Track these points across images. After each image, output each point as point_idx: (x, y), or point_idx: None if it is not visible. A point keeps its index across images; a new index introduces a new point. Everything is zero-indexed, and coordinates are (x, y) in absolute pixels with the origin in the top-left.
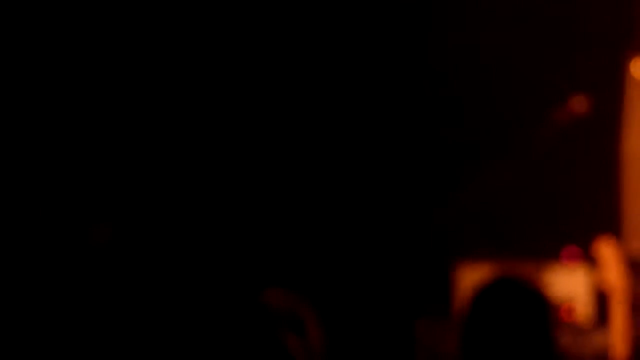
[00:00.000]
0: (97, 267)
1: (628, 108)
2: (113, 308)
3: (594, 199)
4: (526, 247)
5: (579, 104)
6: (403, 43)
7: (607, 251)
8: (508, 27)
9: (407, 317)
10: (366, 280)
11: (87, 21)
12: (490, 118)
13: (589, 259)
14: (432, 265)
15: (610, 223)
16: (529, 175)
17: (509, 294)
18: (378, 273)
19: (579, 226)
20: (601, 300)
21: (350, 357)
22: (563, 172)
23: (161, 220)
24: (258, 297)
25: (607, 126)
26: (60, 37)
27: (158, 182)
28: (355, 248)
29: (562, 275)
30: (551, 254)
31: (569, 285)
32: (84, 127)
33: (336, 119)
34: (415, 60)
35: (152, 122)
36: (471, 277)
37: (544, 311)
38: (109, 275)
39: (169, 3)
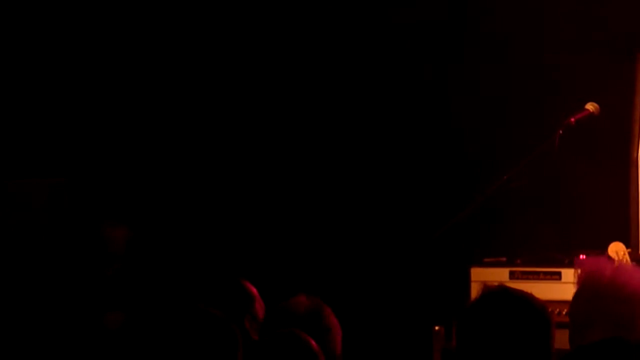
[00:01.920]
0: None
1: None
2: None
3: (608, 205)
4: (541, 253)
5: (592, 108)
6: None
7: (618, 256)
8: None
9: (425, 322)
10: (383, 284)
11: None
12: (504, 123)
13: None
14: (449, 270)
15: (624, 230)
16: (543, 181)
17: (499, 303)
18: (395, 277)
19: (593, 233)
20: None
21: None
22: (576, 178)
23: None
24: (280, 301)
25: (621, 131)
26: (68, 38)
27: (168, 189)
28: (373, 252)
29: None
30: (565, 260)
31: None
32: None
33: (356, 123)
34: (431, 61)
35: (155, 125)
36: (488, 283)
37: (536, 321)
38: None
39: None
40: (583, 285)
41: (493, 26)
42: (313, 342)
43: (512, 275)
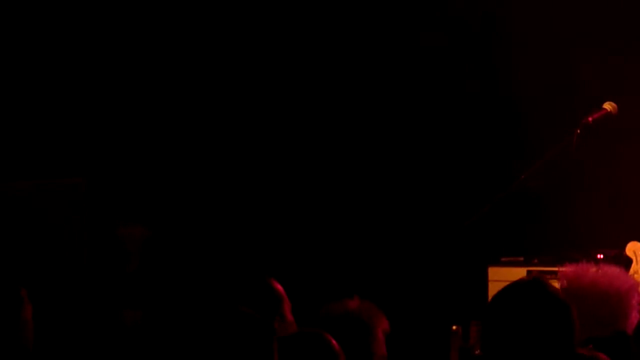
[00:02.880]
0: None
1: None
2: None
3: (626, 204)
4: (558, 253)
5: (610, 108)
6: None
7: (636, 255)
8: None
9: (442, 321)
10: (401, 284)
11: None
12: (525, 122)
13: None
14: (467, 270)
15: None
16: (560, 180)
17: (525, 294)
18: (414, 277)
19: (610, 232)
20: None
21: None
22: (594, 177)
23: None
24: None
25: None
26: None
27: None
28: (391, 252)
29: None
30: (582, 259)
31: None
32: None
33: (378, 124)
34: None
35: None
36: (505, 280)
37: (559, 312)
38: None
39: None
40: (567, 289)
41: (512, 25)
42: (335, 343)
43: (529, 275)
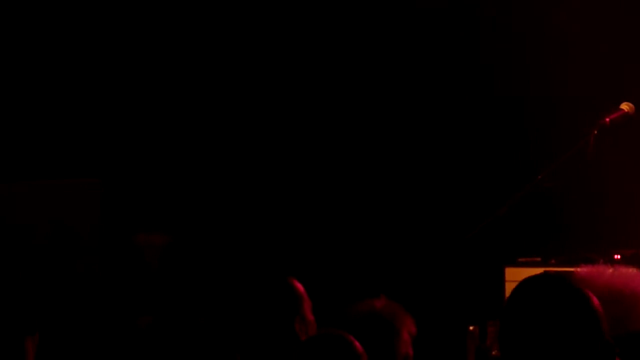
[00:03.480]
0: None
1: None
2: None
3: None
4: (576, 253)
5: (627, 108)
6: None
7: None
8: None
9: (459, 322)
10: (418, 284)
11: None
12: (543, 123)
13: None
14: (483, 270)
15: None
16: (578, 181)
17: (544, 288)
18: (430, 277)
19: (628, 233)
20: None
21: None
22: (612, 177)
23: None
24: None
25: None
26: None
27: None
28: (408, 252)
29: None
30: (600, 260)
31: None
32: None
33: (394, 126)
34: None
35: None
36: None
37: (582, 306)
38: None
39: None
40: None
41: (530, 24)
42: (357, 344)
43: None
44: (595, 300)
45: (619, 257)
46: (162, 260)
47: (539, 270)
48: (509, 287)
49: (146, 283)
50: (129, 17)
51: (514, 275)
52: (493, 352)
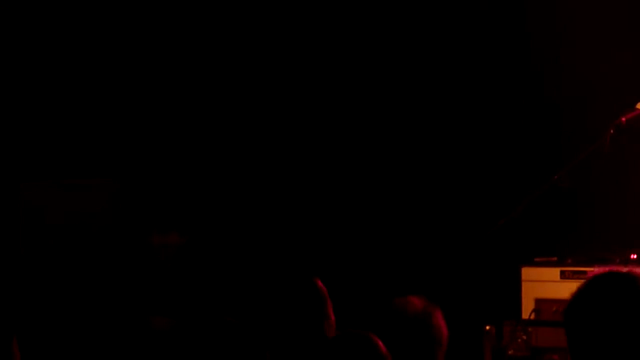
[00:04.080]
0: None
1: None
2: None
3: None
4: (592, 253)
5: None
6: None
7: None
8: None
9: (476, 322)
10: (435, 284)
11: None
12: (559, 122)
13: None
14: (500, 270)
15: None
16: (597, 179)
17: (610, 286)
18: (447, 277)
19: None
20: None
21: None
22: (627, 176)
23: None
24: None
25: None
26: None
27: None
28: (425, 252)
29: None
30: (616, 259)
31: None
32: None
33: (413, 129)
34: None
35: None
36: (538, 280)
37: None
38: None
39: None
40: None
41: (548, 24)
42: (382, 345)
43: (563, 275)
44: None
45: (635, 256)
46: (183, 260)
47: (555, 270)
48: (526, 287)
49: (160, 283)
50: (144, 20)
51: (531, 275)
52: (509, 352)
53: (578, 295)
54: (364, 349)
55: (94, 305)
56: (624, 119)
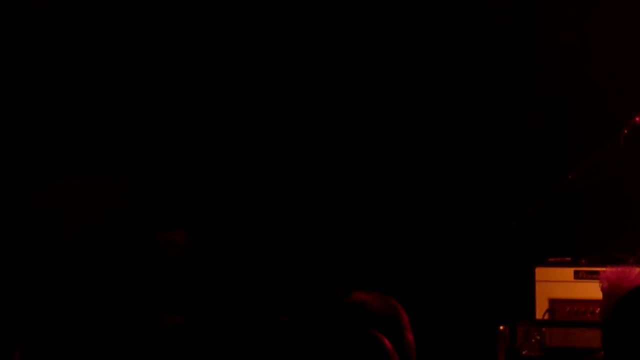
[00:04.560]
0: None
1: None
2: None
3: None
4: (606, 253)
5: None
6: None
7: None
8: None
9: (489, 322)
10: (448, 284)
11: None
12: (573, 122)
13: None
14: (514, 270)
15: None
16: (607, 180)
17: None
18: (460, 277)
19: None
20: None
21: None
22: None
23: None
24: (355, 300)
25: None
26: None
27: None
28: (439, 252)
29: None
30: (630, 259)
31: None
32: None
33: (428, 129)
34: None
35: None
36: (552, 280)
37: None
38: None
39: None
40: (608, 291)
41: (562, 24)
42: (387, 342)
43: (577, 275)
44: None
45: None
46: (193, 258)
47: (569, 270)
48: (539, 287)
49: (167, 280)
50: (162, 24)
51: (544, 275)
52: (523, 352)
53: (619, 305)
54: (369, 347)
55: (109, 305)
56: (638, 118)
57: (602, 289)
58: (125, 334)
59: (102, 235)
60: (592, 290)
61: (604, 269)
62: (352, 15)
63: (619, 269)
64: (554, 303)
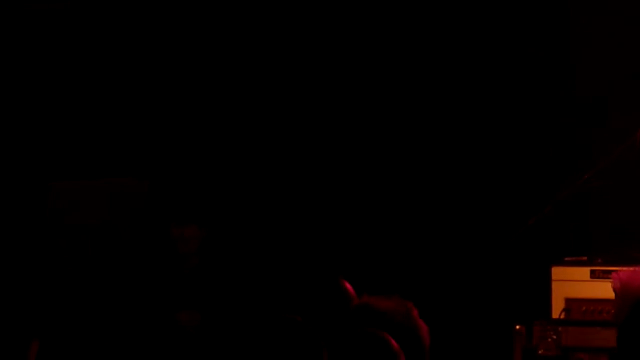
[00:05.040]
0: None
1: None
2: None
3: None
4: (622, 252)
5: None
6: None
7: None
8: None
9: (506, 321)
10: (464, 283)
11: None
12: (590, 121)
13: None
14: (530, 269)
15: None
16: (628, 179)
17: None
18: (476, 277)
19: None
20: None
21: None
22: None
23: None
24: (365, 300)
25: None
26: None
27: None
28: (454, 251)
29: None
30: None
31: None
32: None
33: (440, 128)
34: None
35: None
36: (569, 280)
37: None
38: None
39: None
40: (620, 291)
41: (580, 24)
42: (394, 342)
43: (593, 275)
44: None
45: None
46: (202, 255)
47: (585, 270)
48: (556, 287)
49: (181, 276)
50: (175, 26)
51: (561, 275)
52: (540, 352)
53: (635, 308)
54: (376, 347)
55: (124, 301)
56: None
57: (614, 290)
58: (140, 330)
59: (116, 233)
60: (608, 289)
61: (620, 268)
62: (346, 14)
63: (631, 269)
64: (571, 302)
